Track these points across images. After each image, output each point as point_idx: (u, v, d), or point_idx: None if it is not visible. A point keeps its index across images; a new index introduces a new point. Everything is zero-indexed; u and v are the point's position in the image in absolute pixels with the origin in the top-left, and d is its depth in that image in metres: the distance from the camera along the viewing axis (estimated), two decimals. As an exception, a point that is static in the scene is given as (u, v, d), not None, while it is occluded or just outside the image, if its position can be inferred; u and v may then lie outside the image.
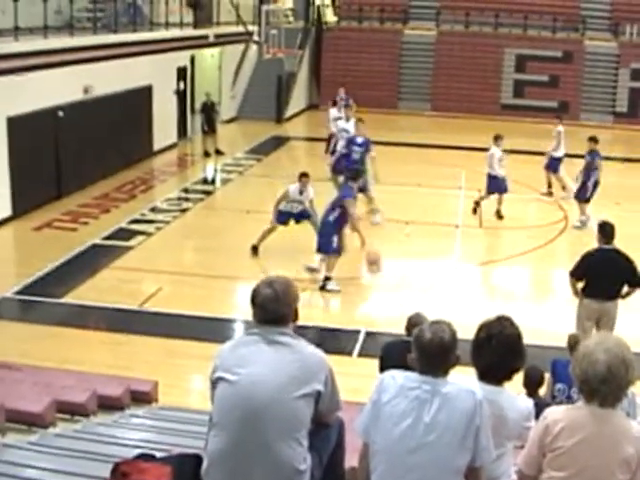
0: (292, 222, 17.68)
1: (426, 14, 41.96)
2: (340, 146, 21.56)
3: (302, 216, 17.63)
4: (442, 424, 4.55)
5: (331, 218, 15.79)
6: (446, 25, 41.40)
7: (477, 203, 21.48)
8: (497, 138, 21.42)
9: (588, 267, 11.93)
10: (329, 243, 15.76)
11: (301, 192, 17.50)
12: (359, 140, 20.60)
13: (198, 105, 30.24)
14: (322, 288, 15.80)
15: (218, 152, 28.55)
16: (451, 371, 4.81)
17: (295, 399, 4.78)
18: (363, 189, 19.44)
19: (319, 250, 16.11)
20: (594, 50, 39.83)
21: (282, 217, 17.69)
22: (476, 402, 4.58)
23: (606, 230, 12.12)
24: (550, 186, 23.83)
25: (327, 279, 15.85)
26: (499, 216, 21.09)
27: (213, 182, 26.27)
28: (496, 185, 20.96)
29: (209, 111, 28.35)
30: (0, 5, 19.68)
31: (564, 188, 23.49)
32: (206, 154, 28.35)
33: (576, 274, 12.07)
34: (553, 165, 23.79)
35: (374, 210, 20.34)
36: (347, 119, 22.70)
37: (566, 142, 23.56)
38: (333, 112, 25.77)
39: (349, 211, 15.91)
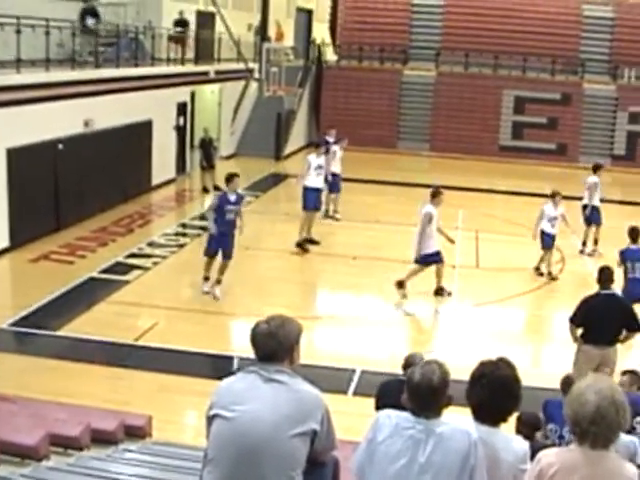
0: None
1: (426, 54, 42.22)
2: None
3: None
4: (437, 464, 4.55)
5: None
6: (445, 66, 41.65)
7: (537, 269, 20.24)
8: (555, 195, 20.08)
9: (588, 312, 11.87)
10: None
11: None
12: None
13: (197, 141, 30.36)
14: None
15: (216, 188, 28.57)
16: (444, 411, 4.81)
17: (291, 437, 4.77)
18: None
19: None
20: (593, 93, 40.09)
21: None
22: (471, 442, 4.58)
23: (605, 274, 12.12)
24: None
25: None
26: (540, 273, 20.10)
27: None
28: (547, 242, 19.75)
29: (207, 147, 28.44)
30: (2, 37, 19.76)
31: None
32: (205, 190, 28.38)
33: (576, 320, 12.00)
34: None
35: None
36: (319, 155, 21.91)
37: (564, 184, 23.62)
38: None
39: None
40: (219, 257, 17.53)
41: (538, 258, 20.08)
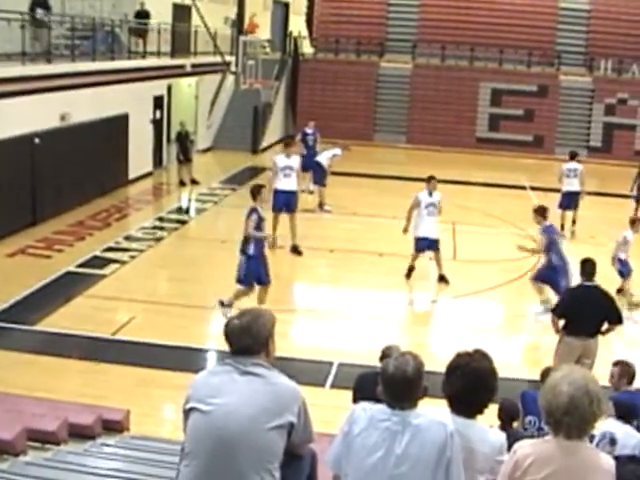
0: None
1: (402, 47, 42.26)
2: None
3: None
4: (413, 456, 4.57)
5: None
6: (422, 58, 41.70)
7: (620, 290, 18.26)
8: (634, 222, 18.43)
9: (570, 304, 11.95)
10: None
11: None
12: None
13: (174, 135, 30.29)
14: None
15: (193, 182, 28.56)
16: (420, 403, 4.84)
17: (268, 430, 4.78)
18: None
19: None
20: (569, 85, 40.25)
21: None
22: (447, 434, 4.60)
23: (587, 267, 12.19)
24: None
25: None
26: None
27: (187, 211, 26.24)
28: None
29: (184, 140, 28.39)
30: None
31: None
32: (181, 183, 28.37)
33: (558, 311, 12.09)
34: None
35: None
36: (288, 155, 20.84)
37: (541, 176, 23.74)
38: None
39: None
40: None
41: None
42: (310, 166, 25.57)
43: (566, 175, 23.31)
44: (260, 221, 15.25)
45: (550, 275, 16.15)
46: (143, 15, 29.62)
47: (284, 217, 20.41)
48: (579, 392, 4.34)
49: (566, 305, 12.01)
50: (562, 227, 22.57)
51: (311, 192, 25.91)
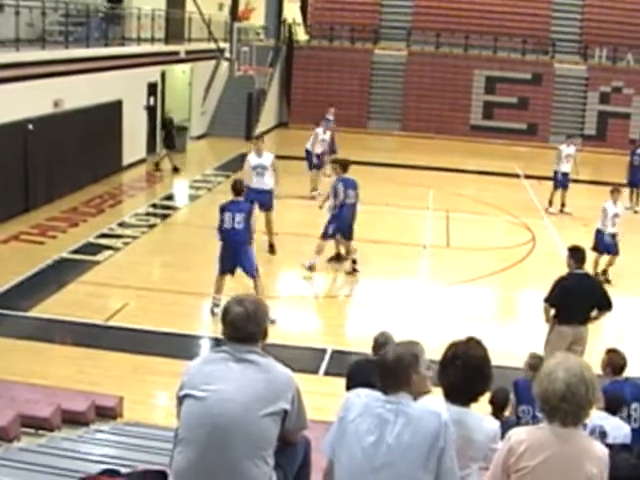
0: None
1: (397, 34, 42.19)
2: None
3: None
4: (405, 444, 4.56)
5: None
6: (416, 45, 41.63)
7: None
8: (613, 192, 18.90)
9: (561, 292, 11.96)
10: None
11: None
12: None
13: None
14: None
15: (175, 169, 28.50)
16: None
17: (262, 417, 4.79)
18: None
19: None
20: (563, 73, 40.21)
21: None
22: (441, 423, 4.59)
23: (577, 255, 12.20)
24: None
25: None
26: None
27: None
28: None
29: (169, 127, 28.26)
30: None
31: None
32: (175, 169, 28.35)
33: (550, 300, 12.11)
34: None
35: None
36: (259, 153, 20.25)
37: (535, 164, 23.84)
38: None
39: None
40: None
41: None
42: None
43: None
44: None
45: None
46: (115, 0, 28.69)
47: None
48: (575, 379, 4.36)
49: (558, 294, 12.02)
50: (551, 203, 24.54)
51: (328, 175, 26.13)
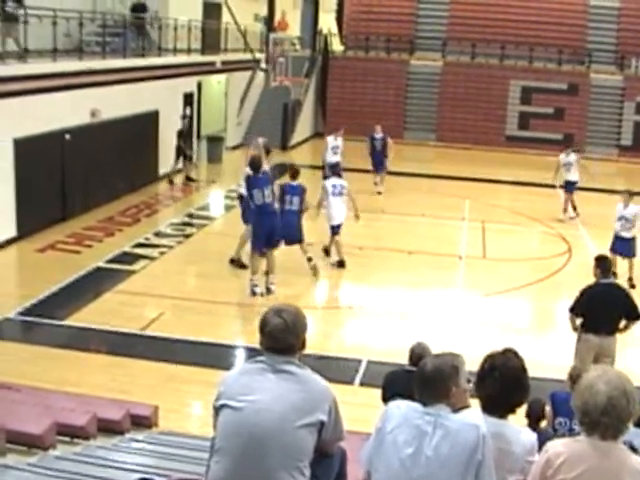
0: None
1: (432, 44, 42.17)
2: None
3: None
4: (443, 457, 4.53)
5: None
6: (452, 56, 41.56)
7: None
8: (624, 194, 19.23)
9: (587, 302, 11.87)
10: None
11: None
12: None
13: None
14: None
15: (189, 179, 28.48)
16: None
17: (298, 428, 4.77)
18: None
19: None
20: (599, 83, 39.98)
21: None
22: (479, 437, 4.55)
23: (603, 264, 12.11)
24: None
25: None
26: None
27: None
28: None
29: (185, 138, 28.08)
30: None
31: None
32: (188, 179, 28.37)
33: (575, 309, 12.03)
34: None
35: None
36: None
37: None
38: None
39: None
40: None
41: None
42: (379, 168, 26.96)
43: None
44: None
45: None
46: (140, 9, 28.03)
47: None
48: (617, 392, 4.30)
49: (584, 303, 11.93)
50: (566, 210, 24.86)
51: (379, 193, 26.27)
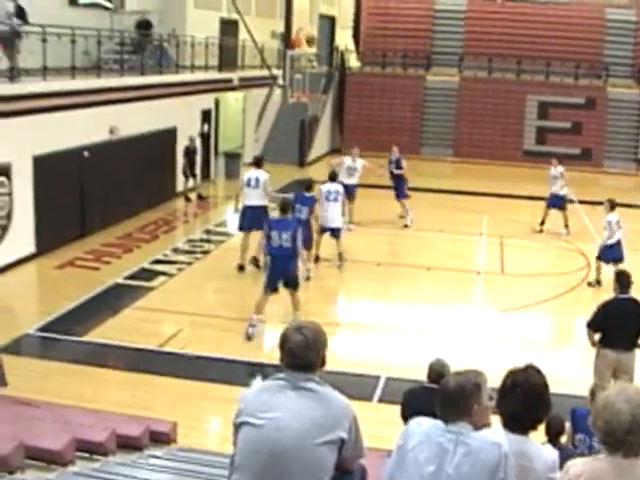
0: None
1: (449, 60, 42.23)
2: None
3: None
4: (464, 475, 4.51)
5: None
6: (469, 71, 41.60)
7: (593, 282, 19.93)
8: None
9: (605, 317, 11.82)
10: None
11: None
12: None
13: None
14: None
15: (200, 197, 28.46)
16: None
17: (318, 445, 4.74)
18: None
19: None
20: (617, 97, 39.92)
21: None
22: (501, 455, 4.52)
23: (622, 279, 12.06)
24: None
25: None
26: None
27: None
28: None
29: (191, 156, 28.00)
30: (29, 45, 19.88)
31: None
32: (186, 199, 28.26)
33: (593, 325, 11.97)
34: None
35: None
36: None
37: (589, 189, 23.73)
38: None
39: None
40: None
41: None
42: (396, 194, 25.64)
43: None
44: None
45: None
46: (144, 25, 27.85)
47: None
48: (638, 409, 4.27)
49: (601, 318, 11.87)
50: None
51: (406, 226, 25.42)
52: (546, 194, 25.40)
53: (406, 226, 24.77)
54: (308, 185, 19.63)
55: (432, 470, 4.57)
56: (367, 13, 45.94)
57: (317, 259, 20.21)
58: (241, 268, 19.63)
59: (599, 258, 19.53)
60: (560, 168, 25.10)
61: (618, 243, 19.30)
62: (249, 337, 15.49)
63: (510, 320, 17.40)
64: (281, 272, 15.46)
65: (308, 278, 18.63)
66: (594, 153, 39.65)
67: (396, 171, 25.06)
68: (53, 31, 20.35)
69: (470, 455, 4.54)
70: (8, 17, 20.07)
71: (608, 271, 17.64)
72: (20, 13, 19.82)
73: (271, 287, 15.56)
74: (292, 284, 15.72)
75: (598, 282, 19.41)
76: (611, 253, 19.21)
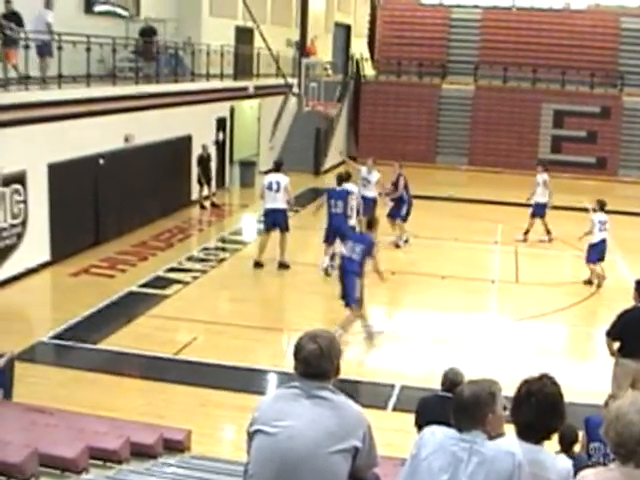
0: None
1: (464, 69, 42.25)
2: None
3: None
4: (478, 485, 4.51)
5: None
6: (484, 80, 41.59)
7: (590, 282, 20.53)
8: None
9: (624, 326, 11.75)
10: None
11: None
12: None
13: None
14: None
15: (214, 205, 28.43)
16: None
17: (332, 454, 4.73)
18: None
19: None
20: (632, 106, 39.84)
21: None
22: (515, 464, 4.51)
23: (641, 288, 12.01)
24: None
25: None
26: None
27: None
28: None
29: (205, 163, 27.99)
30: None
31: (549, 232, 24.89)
32: (202, 207, 28.32)
33: (612, 333, 11.88)
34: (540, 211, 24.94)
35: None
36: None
37: (604, 198, 23.57)
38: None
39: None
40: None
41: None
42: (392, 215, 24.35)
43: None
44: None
45: None
46: (148, 32, 27.00)
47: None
48: None
49: (620, 327, 11.80)
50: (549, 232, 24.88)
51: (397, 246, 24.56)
52: (561, 203, 25.35)
53: (397, 246, 23.56)
54: (340, 179, 20.47)
55: (446, 479, 4.55)
56: (382, 21, 46.04)
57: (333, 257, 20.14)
58: (257, 265, 20.17)
59: (588, 261, 20.24)
60: (545, 175, 24.95)
61: (603, 241, 20.02)
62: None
63: (525, 329, 17.35)
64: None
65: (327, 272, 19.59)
66: (609, 162, 39.57)
67: (386, 198, 24.05)
68: (68, 39, 20.41)
69: (484, 464, 4.52)
70: (47, 27, 20.15)
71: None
72: (15, 18, 19.56)
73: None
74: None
75: (590, 282, 20.32)
76: (596, 253, 20.06)
